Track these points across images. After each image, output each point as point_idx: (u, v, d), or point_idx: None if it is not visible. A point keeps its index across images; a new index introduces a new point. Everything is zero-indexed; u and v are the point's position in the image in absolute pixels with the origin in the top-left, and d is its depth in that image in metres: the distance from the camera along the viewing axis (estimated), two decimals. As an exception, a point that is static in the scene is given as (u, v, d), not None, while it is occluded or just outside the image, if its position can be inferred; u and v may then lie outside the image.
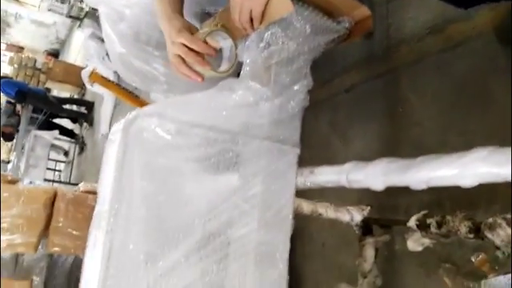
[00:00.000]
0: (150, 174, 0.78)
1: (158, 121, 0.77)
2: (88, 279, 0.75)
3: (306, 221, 2.14)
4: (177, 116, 0.78)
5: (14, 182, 1.83)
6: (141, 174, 0.77)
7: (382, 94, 1.89)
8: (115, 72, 4.75)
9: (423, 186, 0.69)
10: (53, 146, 6.81)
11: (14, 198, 1.69)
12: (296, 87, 0.88)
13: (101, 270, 0.71)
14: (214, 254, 0.80)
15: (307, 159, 1.09)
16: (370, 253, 1.73)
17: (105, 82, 2.85)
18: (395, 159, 0.74)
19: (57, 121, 6.67)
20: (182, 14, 1.00)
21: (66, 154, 7.35)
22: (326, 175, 0.85)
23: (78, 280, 1.99)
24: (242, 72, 0.90)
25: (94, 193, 1.89)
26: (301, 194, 1.31)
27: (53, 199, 1.80)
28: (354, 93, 2.04)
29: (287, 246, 0.88)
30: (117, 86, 2.83)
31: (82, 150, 6.51)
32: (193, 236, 0.80)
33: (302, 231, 2.14)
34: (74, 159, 6.63)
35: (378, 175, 0.73)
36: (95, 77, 2.81)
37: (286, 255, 0.88)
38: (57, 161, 7.15)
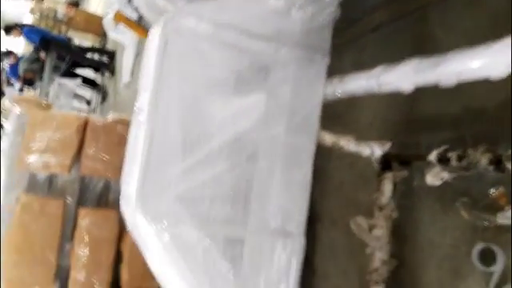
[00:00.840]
0: (187, 72, 0.82)
1: (196, 20, 0.80)
2: (131, 163, 0.82)
3: (325, 160, 2.18)
4: (213, 17, 0.81)
5: (48, 107, 1.92)
6: (178, 72, 0.82)
7: (410, 32, 1.86)
8: (138, 19, 4.73)
9: (453, 81, 0.71)
10: (75, 96, 6.96)
11: (49, 122, 1.77)
12: (328, -3, 0.89)
13: (142, 154, 0.77)
14: (243, 150, 0.86)
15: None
16: (387, 187, 1.78)
17: (129, 22, 2.86)
18: (425, 58, 0.76)
19: (79, 71, 6.77)
20: None
21: (89, 103, 7.50)
22: (356, 81, 0.88)
23: (107, 203, 2.11)
24: (275, -20, 0.91)
25: (123, 123, 1.97)
26: (323, 126, 1.34)
27: (84, 126, 1.89)
28: (381, 32, 2.00)
29: (312, 150, 0.93)
30: (140, 26, 2.85)
31: (104, 99, 6.64)
32: (225, 132, 0.85)
33: (322, 170, 2.19)
34: (96, 108, 6.77)
35: (408, 74, 0.76)
36: (119, 17, 2.83)
37: (311, 159, 0.92)
38: (80, 110, 7.31)
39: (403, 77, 0.76)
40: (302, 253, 0.92)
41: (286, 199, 0.87)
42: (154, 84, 0.80)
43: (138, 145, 0.81)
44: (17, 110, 1.79)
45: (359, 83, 0.87)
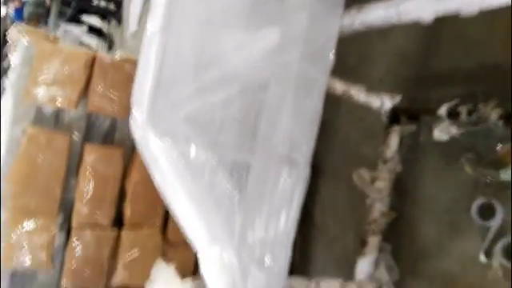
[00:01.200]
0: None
1: None
2: (142, 81, 0.81)
3: (333, 113, 2.17)
4: None
5: (55, 41, 1.89)
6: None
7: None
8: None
9: (475, 9, 0.68)
10: (81, 44, 6.85)
11: (57, 54, 1.75)
12: None
13: (155, 70, 0.76)
14: (255, 74, 0.85)
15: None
16: (394, 141, 1.78)
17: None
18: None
19: (85, 18, 6.62)
20: None
21: (94, 52, 7.39)
22: (375, 11, 0.85)
23: (113, 142, 2.12)
24: None
25: (130, 62, 1.95)
26: (335, 74, 1.32)
27: (92, 62, 1.87)
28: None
29: (325, 82, 0.92)
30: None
31: (110, 48, 6.53)
32: (238, 58, 0.83)
33: (329, 123, 2.18)
34: (101, 58, 6.68)
35: (429, 1, 0.73)
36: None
37: (323, 91, 0.92)
38: (85, 59, 7.21)
39: (424, 4, 0.73)
40: (306, 183, 0.94)
41: (294, 127, 0.87)
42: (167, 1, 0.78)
43: (150, 63, 0.80)
44: (25, 40, 1.77)
45: (378, 13, 0.84)
